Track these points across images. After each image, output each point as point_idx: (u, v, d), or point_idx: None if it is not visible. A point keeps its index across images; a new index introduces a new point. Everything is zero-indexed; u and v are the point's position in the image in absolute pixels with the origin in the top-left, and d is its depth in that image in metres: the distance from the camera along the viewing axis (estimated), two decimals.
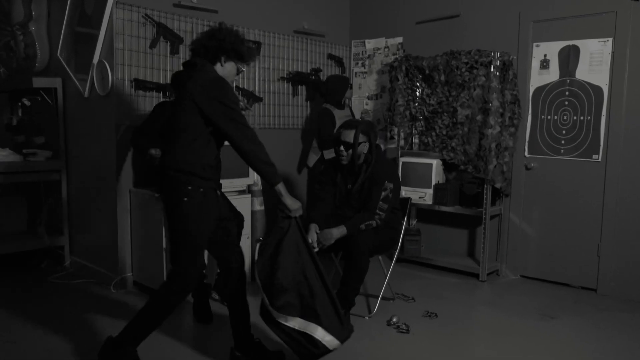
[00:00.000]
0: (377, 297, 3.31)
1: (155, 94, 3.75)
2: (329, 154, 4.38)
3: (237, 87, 4.25)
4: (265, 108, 4.48)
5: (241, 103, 3.35)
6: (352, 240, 2.92)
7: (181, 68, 2.61)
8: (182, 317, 3.21)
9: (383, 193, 2.98)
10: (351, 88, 4.53)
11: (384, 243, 3.13)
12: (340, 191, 3.16)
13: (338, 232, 2.93)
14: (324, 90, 4.42)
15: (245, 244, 3.80)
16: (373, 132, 3.06)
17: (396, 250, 3.31)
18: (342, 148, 3.03)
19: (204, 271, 3.29)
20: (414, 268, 4.30)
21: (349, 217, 3.06)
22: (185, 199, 2.33)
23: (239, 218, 3.38)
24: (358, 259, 2.93)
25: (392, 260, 3.38)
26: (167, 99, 3.73)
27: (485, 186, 3.96)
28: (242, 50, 2.44)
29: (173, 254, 2.44)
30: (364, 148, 3.04)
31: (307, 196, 4.76)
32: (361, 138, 3.01)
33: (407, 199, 3.44)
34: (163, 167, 2.39)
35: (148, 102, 3.71)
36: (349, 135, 3.01)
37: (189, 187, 2.33)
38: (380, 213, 2.98)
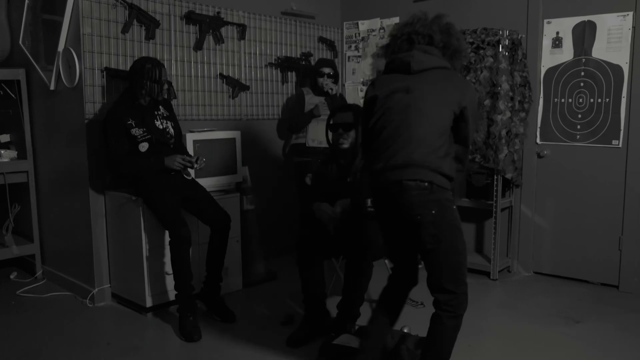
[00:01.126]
0: None
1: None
2: (297, 139, 4.00)
3: (220, 74, 3.87)
4: (252, 97, 4.10)
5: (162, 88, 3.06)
6: (356, 241, 2.59)
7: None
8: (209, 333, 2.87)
9: None
10: (330, 72, 4.11)
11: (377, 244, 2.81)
12: (335, 175, 2.84)
13: (340, 204, 2.64)
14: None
15: (234, 248, 3.46)
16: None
17: None
18: (340, 131, 2.71)
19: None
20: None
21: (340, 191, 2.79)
22: None
23: (224, 222, 3.08)
24: (364, 262, 2.61)
25: None
26: None
27: (495, 177, 3.65)
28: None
29: None
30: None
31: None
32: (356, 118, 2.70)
33: None
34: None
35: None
36: (346, 116, 2.71)
37: None
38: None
